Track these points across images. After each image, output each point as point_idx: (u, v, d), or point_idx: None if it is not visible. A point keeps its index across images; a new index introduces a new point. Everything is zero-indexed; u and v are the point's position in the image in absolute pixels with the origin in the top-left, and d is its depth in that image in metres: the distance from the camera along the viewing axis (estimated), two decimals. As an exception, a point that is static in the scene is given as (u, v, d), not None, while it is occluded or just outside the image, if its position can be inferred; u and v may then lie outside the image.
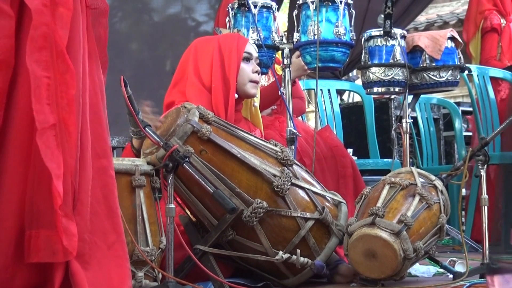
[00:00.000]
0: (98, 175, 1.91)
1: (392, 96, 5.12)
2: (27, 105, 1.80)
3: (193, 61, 3.08)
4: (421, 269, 3.01)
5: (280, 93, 3.36)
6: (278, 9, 3.66)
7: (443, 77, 3.62)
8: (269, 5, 3.41)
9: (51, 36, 1.79)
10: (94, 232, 1.87)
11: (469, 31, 5.10)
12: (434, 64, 3.62)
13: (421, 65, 3.63)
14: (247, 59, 3.07)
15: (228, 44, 3.07)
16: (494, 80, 4.60)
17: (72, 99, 1.81)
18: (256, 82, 3.07)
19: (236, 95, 3.01)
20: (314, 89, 3.83)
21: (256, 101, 3.19)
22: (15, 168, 1.80)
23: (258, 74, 3.08)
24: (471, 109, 4.84)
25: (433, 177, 2.91)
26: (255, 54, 3.11)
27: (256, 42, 3.32)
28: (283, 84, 3.38)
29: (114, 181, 1.98)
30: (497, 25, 5.00)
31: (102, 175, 1.93)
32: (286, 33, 3.47)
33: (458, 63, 3.65)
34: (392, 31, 3.50)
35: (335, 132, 4.24)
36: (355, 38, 3.37)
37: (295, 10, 3.41)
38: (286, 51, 3.37)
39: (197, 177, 2.38)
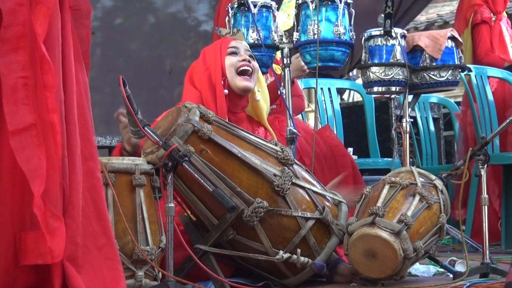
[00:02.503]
0: (85, 178, 1.89)
1: (392, 96, 5.12)
2: None
3: (189, 73, 3.17)
4: (421, 269, 3.01)
5: (279, 93, 3.37)
6: (277, 9, 3.65)
7: (443, 76, 3.62)
8: (269, 5, 3.41)
9: (29, 35, 1.77)
10: (84, 235, 1.85)
11: (459, 24, 5.11)
12: (434, 64, 3.62)
13: (421, 65, 3.63)
14: (233, 53, 3.11)
15: (212, 49, 3.17)
16: None
17: (53, 98, 1.78)
18: (245, 74, 3.07)
19: (227, 91, 3.03)
20: (314, 88, 3.83)
21: (258, 95, 3.19)
22: (7, 171, 1.79)
23: (249, 62, 3.09)
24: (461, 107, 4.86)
25: (433, 177, 2.91)
26: (242, 47, 3.14)
27: (256, 42, 3.33)
28: (282, 84, 3.39)
29: (101, 183, 1.96)
30: (488, 18, 5.01)
31: (90, 177, 1.91)
32: (287, 32, 3.48)
33: (458, 62, 3.65)
34: (392, 30, 3.50)
35: (335, 132, 4.24)
36: (354, 37, 3.37)
37: (295, 10, 3.41)
38: (286, 50, 3.37)
39: (196, 176, 2.38)
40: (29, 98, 1.75)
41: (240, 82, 3.07)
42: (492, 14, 5.04)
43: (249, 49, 3.19)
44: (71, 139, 1.84)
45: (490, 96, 4.48)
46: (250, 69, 3.08)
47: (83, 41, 1.98)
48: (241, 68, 3.07)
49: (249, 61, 3.09)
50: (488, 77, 4.60)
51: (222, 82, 3.05)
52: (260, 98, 3.19)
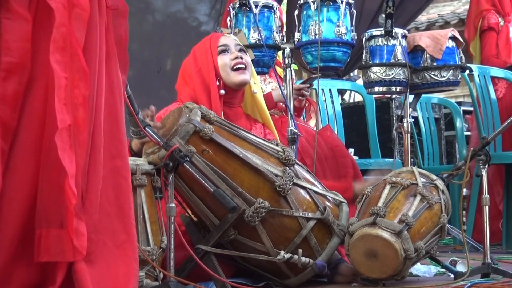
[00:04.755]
0: (111, 175, 1.91)
1: (393, 96, 5.11)
2: (40, 107, 1.81)
3: (181, 74, 3.17)
4: (422, 269, 3.01)
5: (281, 93, 3.38)
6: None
7: (444, 76, 3.62)
8: (270, 5, 3.41)
9: (69, 38, 1.80)
10: (104, 231, 1.87)
11: (469, 32, 5.13)
12: (435, 64, 3.62)
13: (422, 65, 3.63)
14: (224, 51, 3.10)
15: (202, 48, 3.15)
16: (491, 79, 4.61)
17: (84, 102, 1.81)
18: (240, 69, 3.08)
19: (223, 91, 3.03)
20: (315, 89, 3.83)
21: (254, 87, 3.18)
22: (24, 168, 1.81)
23: (242, 58, 3.09)
24: (472, 108, 4.84)
25: (434, 177, 2.91)
26: (232, 43, 3.14)
27: (257, 42, 3.33)
28: (284, 85, 3.39)
29: (128, 182, 1.98)
30: (494, 24, 5.02)
31: (115, 175, 1.93)
32: (284, 33, 3.48)
33: (459, 62, 3.65)
34: (393, 30, 3.50)
35: (336, 132, 4.24)
36: (356, 37, 3.37)
37: (296, 10, 3.41)
38: (287, 50, 3.37)
39: (197, 176, 2.38)
40: (67, 98, 1.78)
41: (237, 77, 3.08)
42: (499, 18, 5.04)
43: (239, 42, 3.18)
44: (95, 138, 1.86)
45: (493, 96, 4.48)
46: (244, 66, 3.09)
47: (121, 40, 2.00)
48: (235, 67, 3.07)
49: (241, 57, 3.09)
50: (493, 78, 4.60)
51: (218, 83, 3.05)
52: (257, 90, 3.19)
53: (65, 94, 1.78)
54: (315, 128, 3.59)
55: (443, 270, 2.99)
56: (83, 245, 1.77)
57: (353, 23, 3.35)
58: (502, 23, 5.06)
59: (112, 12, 1.97)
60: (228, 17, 3.48)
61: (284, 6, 5.73)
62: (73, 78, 1.80)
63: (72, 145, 1.78)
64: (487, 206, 2.84)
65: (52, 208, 1.79)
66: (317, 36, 3.26)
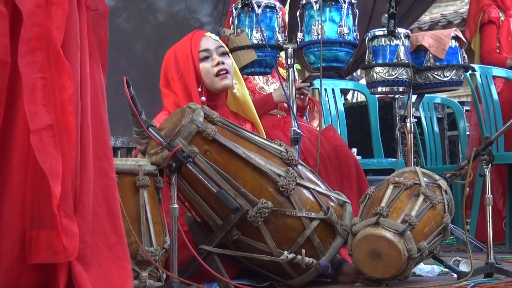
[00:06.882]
0: (98, 177, 1.90)
1: (396, 96, 5.11)
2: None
3: (163, 74, 3.16)
4: (425, 269, 3.01)
5: (283, 93, 3.38)
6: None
7: (447, 76, 3.61)
8: (273, 5, 3.41)
9: (47, 37, 1.78)
10: (95, 233, 1.86)
11: (470, 29, 5.13)
12: (438, 64, 3.61)
13: (425, 65, 3.62)
14: (206, 58, 3.09)
15: (183, 51, 3.13)
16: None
17: (70, 99, 1.79)
18: (223, 74, 3.08)
19: (204, 98, 3.03)
20: (318, 89, 3.83)
21: (235, 88, 3.18)
22: (18, 169, 1.80)
23: (223, 64, 3.08)
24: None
25: (437, 177, 2.91)
26: (213, 46, 3.13)
27: (260, 42, 3.33)
28: (286, 85, 3.39)
29: (115, 183, 1.97)
30: (495, 18, 5.02)
31: (103, 177, 1.92)
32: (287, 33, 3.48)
33: (462, 62, 3.65)
34: (396, 30, 3.49)
35: (339, 132, 4.24)
36: (358, 37, 3.36)
37: (299, 10, 3.41)
38: (289, 51, 3.37)
39: (200, 177, 2.38)
40: (47, 98, 1.76)
41: (219, 83, 3.08)
42: (500, 13, 5.05)
43: (221, 43, 3.17)
44: (84, 139, 1.85)
45: (495, 96, 4.48)
46: (226, 70, 3.09)
47: (101, 41, 1.99)
48: (219, 74, 3.07)
49: (222, 63, 3.09)
50: (494, 77, 4.60)
51: (200, 89, 3.05)
52: (237, 91, 3.18)
53: (44, 94, 1.76)
54: (318, 128, 3.59)
55: (446, 270, 2.99)
56: (75, 245, 1.75)
57: (356, 23, 3.35)
58: (503, 18, 5.06)
59: (92, 13, 1.96)
60: (231, 18, 3.48)
61: (288, 7, 5.73)
62: (53, 77, 1.78)
63: (58, 145, 1.75)
64: (490, 206, 2.84)
65: (44, 209, 1.77)
66: (319, 36, 3.26)
